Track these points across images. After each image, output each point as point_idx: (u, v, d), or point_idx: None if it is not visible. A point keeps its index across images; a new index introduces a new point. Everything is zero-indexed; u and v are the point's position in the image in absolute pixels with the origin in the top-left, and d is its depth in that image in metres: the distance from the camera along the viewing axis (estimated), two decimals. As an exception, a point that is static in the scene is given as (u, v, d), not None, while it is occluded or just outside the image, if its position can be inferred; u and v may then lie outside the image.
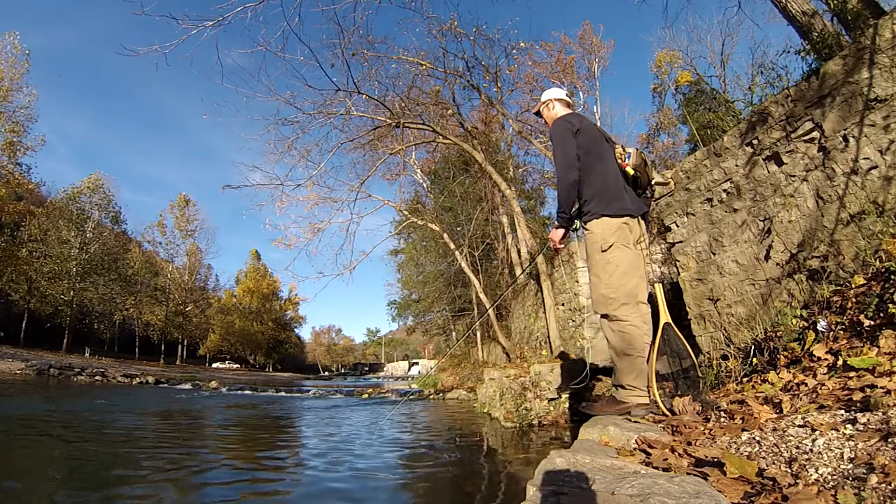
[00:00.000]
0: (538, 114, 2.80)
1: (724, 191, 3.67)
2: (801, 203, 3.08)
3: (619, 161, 2.44)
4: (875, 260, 2.47)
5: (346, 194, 9.99)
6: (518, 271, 13.01)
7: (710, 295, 3.81)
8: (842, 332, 2.25)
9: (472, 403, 7.88)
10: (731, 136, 3.59)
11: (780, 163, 3.22)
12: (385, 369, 57.35)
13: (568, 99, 2.74)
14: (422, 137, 10.54)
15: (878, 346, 1.94)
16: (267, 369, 48.99)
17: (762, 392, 2.17)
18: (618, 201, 2.33)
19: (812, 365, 2.18)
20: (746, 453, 1.47)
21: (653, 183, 2.59)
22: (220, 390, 13.44)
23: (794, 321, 2.67)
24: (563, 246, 2.45)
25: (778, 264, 3.22)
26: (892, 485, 1.01)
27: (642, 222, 2.45)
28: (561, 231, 2.45)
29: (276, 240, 9.85)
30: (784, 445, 1.43)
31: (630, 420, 2.13)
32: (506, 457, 3.62)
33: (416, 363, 43.34)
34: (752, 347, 2.87)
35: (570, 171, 2.30)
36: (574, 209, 2.41)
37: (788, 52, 4.57)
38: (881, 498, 0.99)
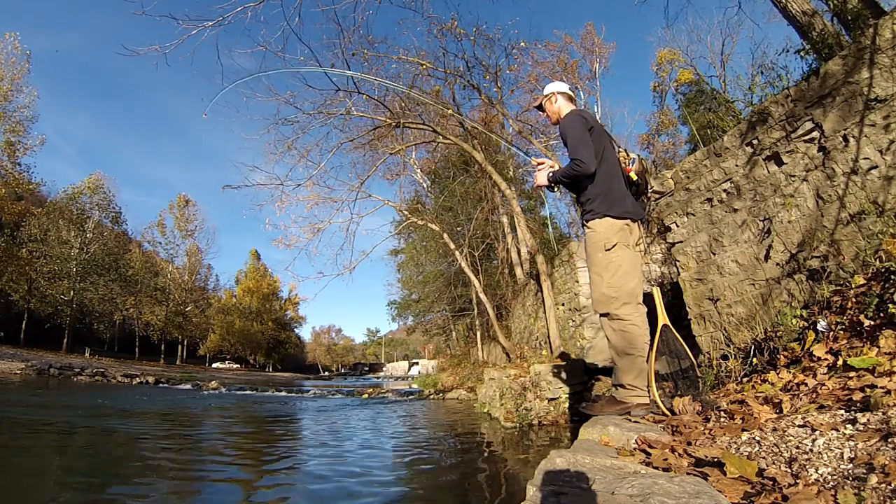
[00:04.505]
0: (540, 107, 2.76)
1: (724, 191, 3.67)
2: (801, 203, 3.08)
3: (623, 165, 2.45)
4: (875, 260, 2.47)
5: (346, 194, 10.00)
6: (518, 271, 13.02)
7: (710, 295, 3.81)
8: (842, 332, 2.25)
9: (472, 403, 7.88)
10: (731, 136, 3.59)
11: (780, 163, 3.22)
12: (385, 369, 57.30)
13: (570, 93, 2.71)
14: (422, 137, 10.54)
15: (878, 346, 1.94)
16: (267, 369, 48.98)
17: (762, 392, 2.17)
18: (620, 203, 2.33)
19: (812, 365, 2.18)
20: (746, 453, 1.47)
21: (650, 190, 2.59)
22: (220, 390, 13.43)
23: (794, 321, 2.67)
24: (540, 189, 2.59)
25: (778, 264, 3.22)
26: (892, 485, 1.01)
27: (641, 226, 2.47)
28: (545, 182, 2.49)
29: (276, 240, 9.86)
30: (784, 445, 1.43)
31: (630, 420, 2.13)
32: (506, 457, 3.62)
33: (416, 363, 43.28)
34: (752, 347, 2.87)
35: (592, 163, 2.28)
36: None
37: (788, 52, 4.56)
38: (881, 498, 0.98)
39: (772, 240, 3.26)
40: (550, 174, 2.47)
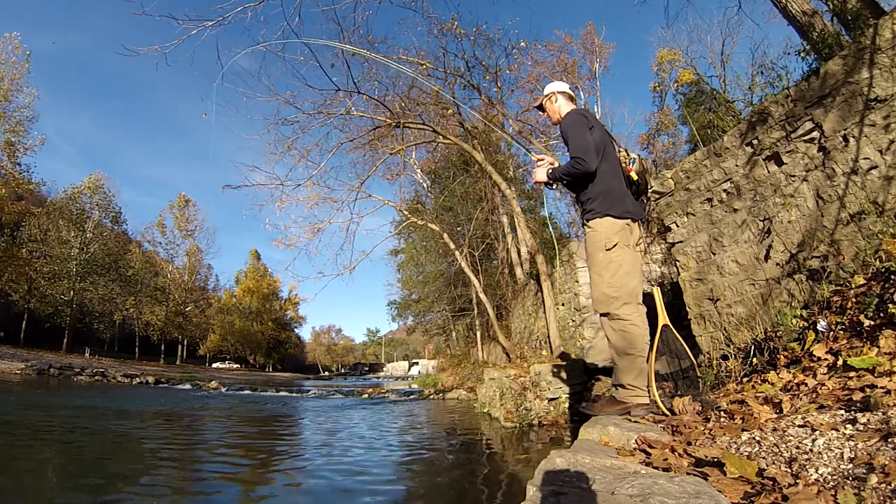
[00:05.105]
0: (540, 107, 2.75)
1: (724, 191, 3.67)
2: (801, 203, 3.08)
3: (624, 165, 2.44)
4: (875, 260, 2.47)
5: (346, 194, 9.99)
6: (518, 271, 13.02)
7: (710, 295, 3.81)
8: (842, 332, 2.25)
9: (472, 403, 7.88)
10: (731, 136, 3.59)
11: (780, 163, 3.22)
12: (385, 369, 57.28)
13: (571, 93, 2.71)
14: (422, 137, 10.53)
15: (878, 346, 1.94)
16: (267, 369, 48.98)
17: (762, 392, 2.17)
18: (621, 203, 2.33)
19: (812, 365, 2.18)
20: (746, 453, 1.47)
21: (650, 191, 2.59)
22: (219, 390, 13.44)
23: (794, 321, 2.67)
24: (540, 186, 2.59)
25: (778, 264, 3.22)
26: (892, 485, 1.01)
27: (641, 226, 2.47)
28: (544, 177, 2.48)
29: (276, 240, 9.85)
30: (784, 445, 1.43)
31: (630, 420, 2.13)
32: (506, 457, 3.62)
33: (416, 363, 43.28)
34: (752, 347, 2.87)
35: (593, 161, 2.27)
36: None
37: (789, 53, 4.57)
38: (881, 498, 0.98)
39: (772, 240, 3.26)
40: (550, 171, 2.46)
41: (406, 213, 12.83)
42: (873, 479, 1.05)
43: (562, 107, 2.61)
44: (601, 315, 2.34)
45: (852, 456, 1.22)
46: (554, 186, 2.51)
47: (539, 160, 2.62)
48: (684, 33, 31.62)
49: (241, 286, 48.33)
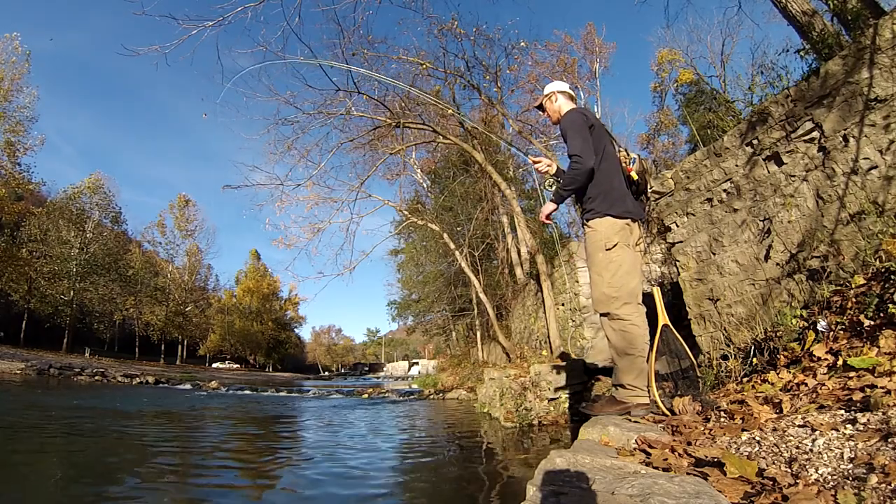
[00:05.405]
0: (540, 107, 2.74)
1: (724, 191, 3.67)
2: (801, 203, 3.08)
3: (624, 165, 2.45)
4: (875, 260, 2.47)
5: (346, 194, 10.00)
6: (518, 271, 13.02)
7: (710, 295, 3.81)
8: (842, 332, 2.25)
9: (472, 403, 7.88)
10: (731, 136, 3.59)
11: (780, 163, 3.22)
12: (385, 369, 57.25)
13: (571, 92, 2.71)
14: (422, 137, 10.54)
15: (878, 346, 1.94)
16: (267, 369, 48.98)
17: (762, 392, 2.17)
18: (621, 203, 2.33)
19: (812, 365, 2.18)
20: (746, 453, 1.46)
21: (649, 191, 2.59)
22: (219, 390, 13.44)
23: (794, 321, 2.67)
24: (550, 221, 2.63)
25: (778, 264, 3.22)
26: (892, 485, 1.01)
27: (641, 226, 2.47)
28: (553, 206, 2.52)
29: (276, 240, 9.86)
30: (784, 445, 1.43)
31: (630, 420, 2.13)
32: (506, 457, 3.62)
33: (416, 363, 43.28)
34: (752, 347, 2.87)
35: (590, 160, 2.27)
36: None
37: (788, 51, 4.57)
38: (881, 498, 0.98)
39: (772, 240, 3.26)
40: (552, 198, 2.49)
41: (406, 213, 12.83)
42: (873, 479, 1.05)
43: (562, 106, 2.61)
44: (601, 315, 2.34)
45: (852, 456, 1.22)
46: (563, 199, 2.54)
47: (535, 162, 2.63)
48: (684, 33, 31.70)
49: (241, 286, 48.34)
